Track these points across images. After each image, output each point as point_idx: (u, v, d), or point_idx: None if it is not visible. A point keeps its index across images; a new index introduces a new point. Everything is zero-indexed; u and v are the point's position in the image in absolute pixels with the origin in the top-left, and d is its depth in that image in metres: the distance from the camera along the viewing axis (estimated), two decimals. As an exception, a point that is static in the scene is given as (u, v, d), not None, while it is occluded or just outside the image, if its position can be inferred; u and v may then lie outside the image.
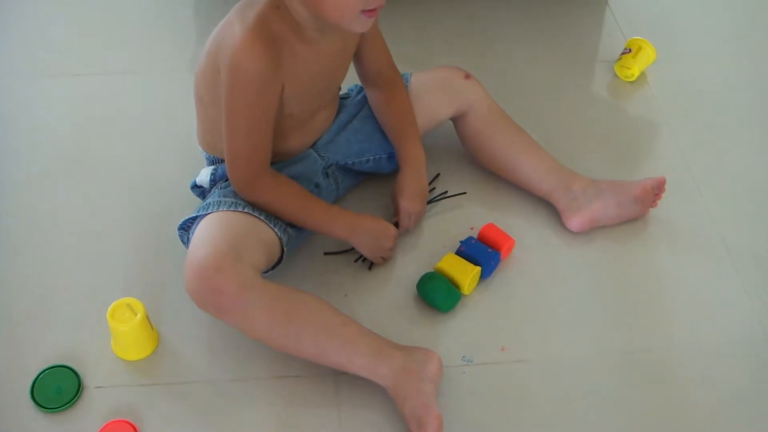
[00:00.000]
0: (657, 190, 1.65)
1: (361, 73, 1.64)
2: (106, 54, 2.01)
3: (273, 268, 1.49)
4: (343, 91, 1.71)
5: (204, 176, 1.57)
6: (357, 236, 1.54)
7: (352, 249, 1.57)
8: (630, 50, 1.98)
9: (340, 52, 1.50)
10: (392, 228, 1.57)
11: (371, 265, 1.59)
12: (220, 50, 1.40)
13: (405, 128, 1.63)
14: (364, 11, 1.34)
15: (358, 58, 1.61)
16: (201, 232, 1.40)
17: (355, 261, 1.60)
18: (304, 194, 1.51)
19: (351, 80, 1.66)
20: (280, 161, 1.54)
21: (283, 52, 1.39)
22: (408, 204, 1.60)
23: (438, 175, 1.73)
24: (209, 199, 1.48)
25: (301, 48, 1.41)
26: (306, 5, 1.35)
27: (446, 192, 1.71)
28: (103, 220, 1.66)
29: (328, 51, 1.46)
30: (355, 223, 1.54)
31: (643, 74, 2.00)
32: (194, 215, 1.46)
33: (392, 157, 1.65)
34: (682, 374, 1.48)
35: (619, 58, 2.00)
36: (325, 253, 1.61)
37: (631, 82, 1.99)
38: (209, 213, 1.43)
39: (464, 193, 1.71)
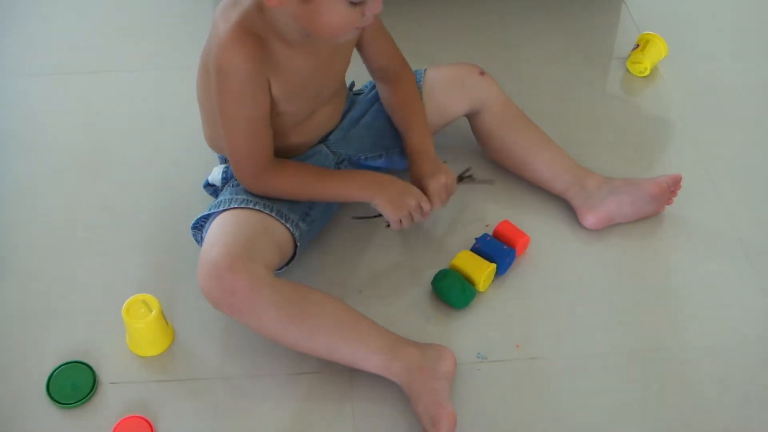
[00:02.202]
0: (672, 187, 1.64)
1: (368, 68, 1.64)
2: (122, 51, 2.02)
3: (287, 264, 1.49)
4: (358, 87, 1.71)
5: (216, 174, 1.58)
6: (382, 189, 1.48)
7: (380, 215, 1.51)
8: (639, 45, 1.98)
9: (332, 52, 1.48)
10: (417, 189, 1.50)
11: (388, 224, 1.52)
12: (208, 52, 1.40)
13: (410, 118, 1.60)
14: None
15: (362, 53, 1.60)
16: (213, 231, 1.41)
17: (387, 227, 1.53)
18: (314, 168, 1.50)
19: (366, 77, 1.67)
20: (290, 157, 1.54)
21: (267, 49, 1.38)
22: (433, 182, 1.51)
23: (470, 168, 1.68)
24: (221, 197, 1.48)
25: (286, 49, 1.40)
26: (299, 22, 1.35)
27: (470, 171, 1.64)
28: (117, 216, 1.66)
29: (317, 52, 1.45)
30: (378, 178, 1.50)
31: (657, 71, 1.99)
32: (206, 213, 1.46)
33: (404, 152, 1.64)
34: (697, 373, 1.48)
35: (630, 55, 1.99)
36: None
37: (646, 78, 1.98)
38: (221, 210, 1.44)
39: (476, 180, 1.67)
